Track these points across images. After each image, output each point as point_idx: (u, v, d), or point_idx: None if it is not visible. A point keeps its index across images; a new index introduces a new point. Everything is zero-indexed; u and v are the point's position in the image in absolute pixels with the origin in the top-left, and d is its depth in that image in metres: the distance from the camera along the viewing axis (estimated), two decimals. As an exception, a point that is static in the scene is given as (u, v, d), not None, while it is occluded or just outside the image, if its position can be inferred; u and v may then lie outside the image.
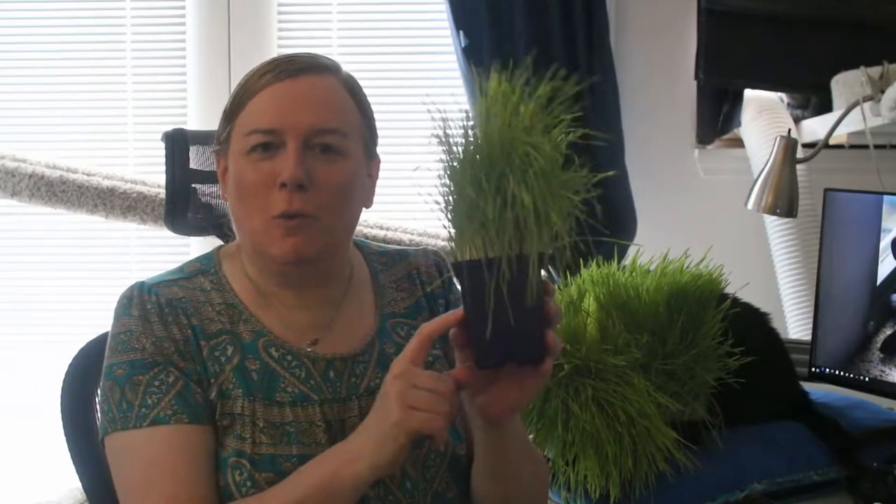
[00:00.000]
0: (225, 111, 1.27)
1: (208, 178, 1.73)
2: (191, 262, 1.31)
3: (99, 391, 1.43)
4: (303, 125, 1.21)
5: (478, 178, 1.01)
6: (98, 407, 1.43)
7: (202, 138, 1.75)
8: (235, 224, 1.27)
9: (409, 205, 2.83)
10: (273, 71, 1.23)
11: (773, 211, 2.16)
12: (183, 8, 2.84)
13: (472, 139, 1.03)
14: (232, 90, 1.27)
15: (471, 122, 1.04)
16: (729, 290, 1.70)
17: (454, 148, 1.04)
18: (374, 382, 1.27)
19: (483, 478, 1.27)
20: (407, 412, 1.08)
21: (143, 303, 1.23)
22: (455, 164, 1.04)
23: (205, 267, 1.29)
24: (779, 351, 1.79)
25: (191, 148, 1.76)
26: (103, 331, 1.38)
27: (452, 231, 1.05)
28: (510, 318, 1.03)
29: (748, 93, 2.76)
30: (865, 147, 2.22)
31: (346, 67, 1.30)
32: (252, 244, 1.24)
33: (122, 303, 1.24)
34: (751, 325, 1.76)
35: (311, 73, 1.24)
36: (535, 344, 1.07)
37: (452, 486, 1.29)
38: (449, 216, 1.06)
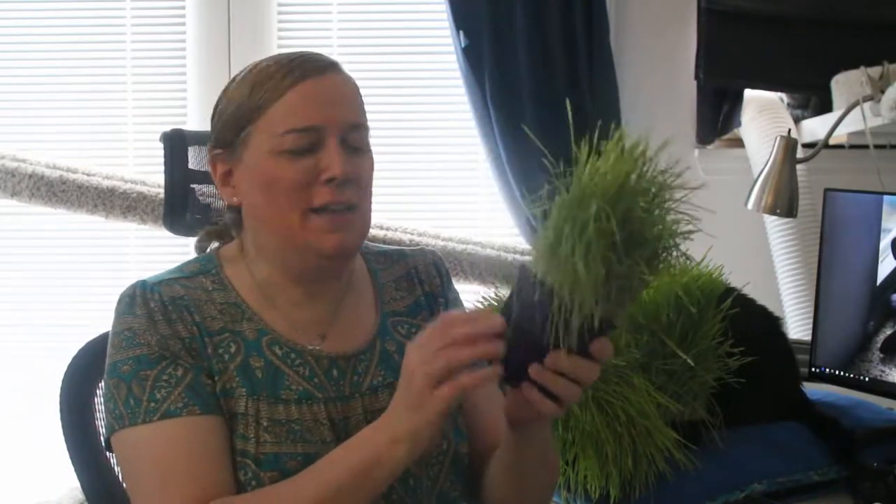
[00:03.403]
0: (233, 116, 1.25)
1: (207, 178, 1.73)
2: (190, 262, 1.31)
3: (102, 390, 1.44)
4: (341, 121, 1.23)
5: (571, 214, 0.99)
6: (102, 406, 1.43)
7: (201, 139, 1.75)
8: (259, 224, 1.26)
9: (409, 204, 2.85)
10: (296, 70, 1.23)
11: (773, 211, 2.16)
12: (183, 8, 2.84)
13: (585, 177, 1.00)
14: (240, 95, 1.25)
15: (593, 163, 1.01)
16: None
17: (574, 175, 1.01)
18: (377, 380, 1.27)
19: (497, 468, 1.28)
20: (430, 395, 1.06)
21: (146, 301, 1.22)
22: (567, 191, 1.01)
23: (205, 268, 1.29)
24: (784, 354, 1.79)
25: (189, 148, 1.76)
26: (103, 331, 1.38)
27: (537, 244, 1.04)
28: (527, 340, 1.03)
29: (748, 93, 2.75)
30: (865, 147, 2.22)
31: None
32: (286, 240, 1.24)
33: (124, 301, 1.24)
34: (760, 327, 1.76)
35: (332, 70, 1.25)
36: (522, 370, 1.06)
37: (456, 484, 1.30)
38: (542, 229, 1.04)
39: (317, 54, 1.27)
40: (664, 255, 1.02)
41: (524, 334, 1.04)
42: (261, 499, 1.16)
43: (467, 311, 1.07)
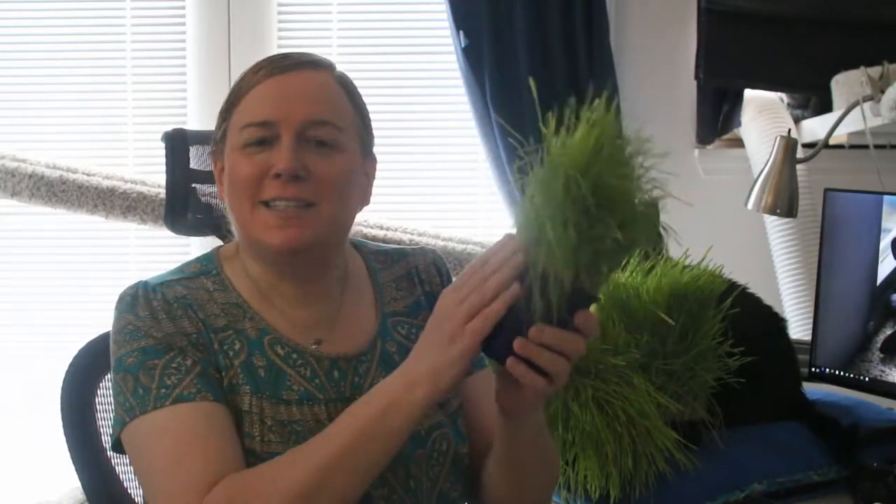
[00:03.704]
0: (221, 110, 1.28)
1: (208, 178, 1.73)
2: (190, 263, 1.31)
3: (105, 389, 1.44)
4: (296, 117, 1.21)
5: (545, 188, 1.00)
6: (104, 406, 1.43)
7: (202, 138, 1.75)
8: (231, 220, 1.27)
9: (409, 204, 2.85)
10: (267, 67, 1.24)
11: (773, 211, 2.16)
12: (183, 8, 2.83)
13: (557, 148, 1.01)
14: (228, 93, 1.28)
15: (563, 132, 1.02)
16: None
17: (545, 151, 1.02)
18: (377, 381, 1.26)
19: (495, 463, 1.27)
20: (462, 331, 1.04)
21: (148, 301, 1.22)
22: (540, 166, 1.02)
23: (206, 268, 1.29)
24: (785, 353, 1.79)
25: (190, 148, 1.76)
26: (103, 331, 1.38)
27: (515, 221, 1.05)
28: (512, 317, 1.03)
29: (748, 93, 2.76)
30: (865, 147, 2.22)
31: (345, 67, 1.30)
32: (244, 233, 1.25)
33: (126, 301, 1.23)
34: (762, 325, 1.76)
35: (305, 68, 1.25)
36: (507, 345, 1.06)
37: (457, 485, 1.30)
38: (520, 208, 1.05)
39: (300, 54, 1.27)
40: (637, 219, 1.02)
41: (508, 310, 1.04)
42: (276, 465, 1.13)
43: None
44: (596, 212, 0.97)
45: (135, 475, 1.25)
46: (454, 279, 1.10)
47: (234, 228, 1.28)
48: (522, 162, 1.03)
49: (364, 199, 1.30)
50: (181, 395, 1.16)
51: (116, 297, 1.25)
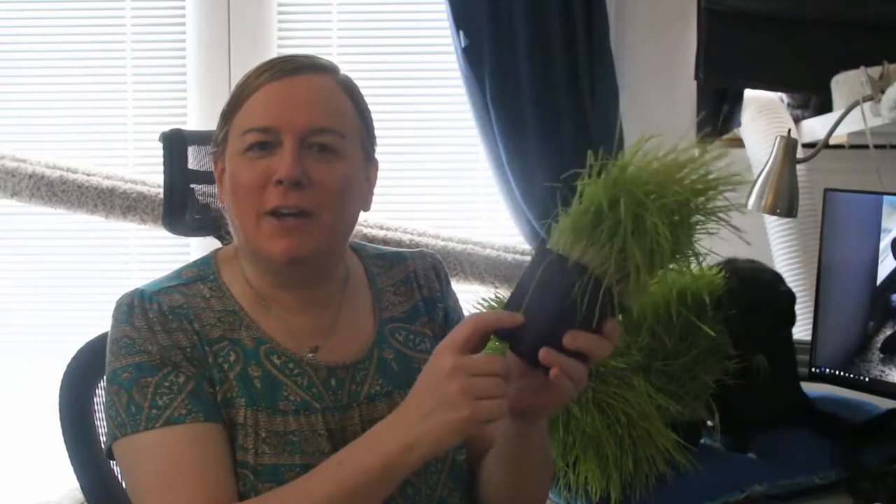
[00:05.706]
0: (223, 112, 1.26)
1: (206, 178, 1.73)
2: (188, 267, 1.30)
3: (103, 394, 1.43)
4: (299, 124, 1.20)
5: (614, 194, 1.03)
6: (103, 410, 1.43)
7: (200, 139, 1.75)
8: (231, 225, 1.26)
9: (409, 204, 2.84)
10: (270, 70, 1.23)
11: (773, 211, 2.16)
12: (183, 8, 2.83)
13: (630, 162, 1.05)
14: (231, 94, 1.27)
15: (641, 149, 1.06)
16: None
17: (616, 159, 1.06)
18: (374, 389, 1.27)
19: (495, 465, 1.27)
20: (476, 405, 1.04)
21: (144, 312, 1.21)
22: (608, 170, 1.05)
23: (203, 273, 1.28)
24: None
25: (189, 148, 1.76)
26: (102, 331, 1.38)
27: (561, 220, 1.07)
28: (548, 317, 1.05)
29: (748, 93, 2.75)
30: (865, 147, 2.22)
31: (345, 67, 1.30)
32: (246, 242, 1.24)
33: (122, 310, 1.22)
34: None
35: (309, 72, 1.24)
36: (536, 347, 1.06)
37: (455, 492, 1.29)
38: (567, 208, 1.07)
39: (304, 57, 1.26)
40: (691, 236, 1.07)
41: (542, 314, 1.05)
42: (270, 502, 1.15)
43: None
44: (672, 226, 1.02)
45: (126, 489, 1.25)
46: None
47: (232, 231, 1.28)
48: (589, 169, 1.05)
49: (364, 204, 1.29)
50: (172, 416, 1.16)
51: (116, 297, 1.25)
